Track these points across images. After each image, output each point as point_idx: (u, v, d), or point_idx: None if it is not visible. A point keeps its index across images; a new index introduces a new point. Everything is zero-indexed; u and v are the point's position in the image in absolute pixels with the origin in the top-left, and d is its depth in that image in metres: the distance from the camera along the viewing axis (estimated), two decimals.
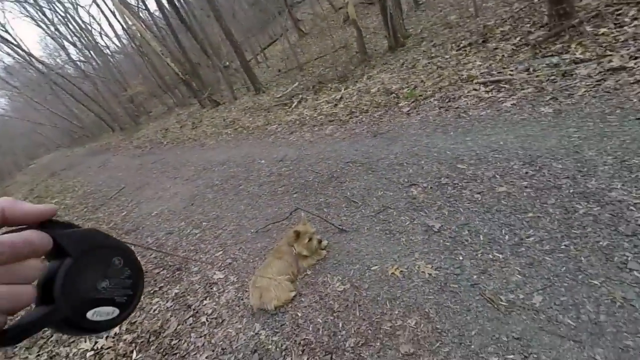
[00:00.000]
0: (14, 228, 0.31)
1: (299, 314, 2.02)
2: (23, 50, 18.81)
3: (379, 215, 2.53)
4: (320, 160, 4.09)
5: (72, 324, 0.32)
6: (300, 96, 7.83)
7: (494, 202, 2.16)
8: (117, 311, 0.35)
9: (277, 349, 1.85)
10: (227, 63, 13.33)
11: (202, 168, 5.82)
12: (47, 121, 33.82)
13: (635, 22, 3.67)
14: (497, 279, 1.68)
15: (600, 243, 1.63)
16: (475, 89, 4.01)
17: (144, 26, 12.56)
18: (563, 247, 1.70)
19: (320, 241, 2.43)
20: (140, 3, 17.07)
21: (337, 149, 4.22)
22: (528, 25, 4.95)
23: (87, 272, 0.33)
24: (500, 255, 1.79)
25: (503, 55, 4.53)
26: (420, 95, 4.60)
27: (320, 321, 1.90)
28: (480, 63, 4.66)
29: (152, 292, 2.91)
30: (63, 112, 27.75)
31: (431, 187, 2.56)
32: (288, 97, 8.29)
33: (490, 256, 1.81)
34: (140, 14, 17.08)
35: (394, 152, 3.38)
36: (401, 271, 1.95)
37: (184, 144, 8.96)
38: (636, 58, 3.11)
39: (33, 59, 19.82)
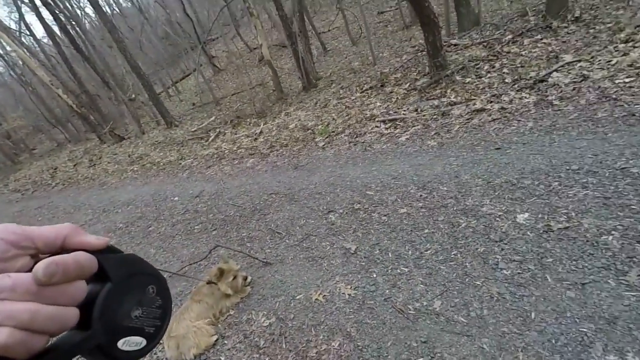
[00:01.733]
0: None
1: (222, 358, 1.90)
2: None
3: (302, 243, 2.61)
4: (241, 193, 4.05)
5: (104, 351, 0.30)
6: (218, 130, 7.72)
7: (397, 222, 2.45)
8: (144, 342, 0.34)
9: None
10: (134, 96, 12.39)
11: (102, 210, 5.14)
12: None
13: (489, 75, 4.77)
14: (405, 290, 1.89)
15: (478, 249, 2.00)
16: (377, 126, 4.58)
17: (28, 53, 10.96)
18: (452, 255, 2.02)
19: (245, 278, 2.37)
20: (24, 28, 14.96)
21: (259, 181, 4.25)
22: (415, 73, 5.95)
23: (124, 299, 0.32)
24: (406, 269, 2.03)
25: (397, 98, 5.31)
26: (333, 132, 5.02)
27: None
28: (380, 104, 5.36)
29: None
30: None
31: (346, 213, 2.78)
32: (204, 131, 8.08)
33: (398, 270, 2.03)
34: (24, 40, 14.90)
35: (314, 182, 3.58)
36: (324, 296, 2.03)
37: (78, 184, 7.80)
38: (491, 102, 4.01)
39: None
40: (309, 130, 5.55)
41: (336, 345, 1.70)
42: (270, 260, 2.59)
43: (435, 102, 4.47)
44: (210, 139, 7.33)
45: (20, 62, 12.39)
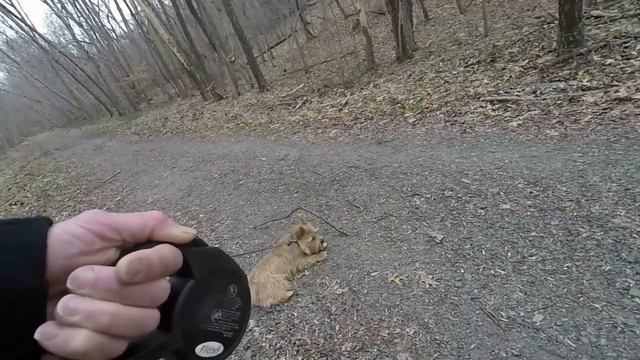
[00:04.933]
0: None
1: (295, 314, 2.00)
2: (27, 25, 18.55)
3: (380, 222, 2.53)
4: (322, 162, 4.09)
5: (182, 357, 0.28)
6: (305, 98, 7.84)
7: (497, 218, 2.17)
8: (222, 348, 0.31)
9: (271, 348, 1.82)
10: (233, 58, 13.30)
11: (201, 160, 5.78)
12: (44, 99, 33.32)
13: None
14: (498, 294, 1.68)
15: (603, 267, 1.65)
16: (481, 106, 4.06)
17: (153, 13, 12.49)
18: (565, 268, 1.71)
19: (322, 241, 2.42)
20: None
21: (340, 152, 4.22)
22: (537, 49, 5.03)
23: (206, 300, 0.30)
24: (502, 272, 1.79)
25: (510, 76, 4.59)
26: (426, 108, 4.64)
27: (317, 322, 1.88)
28: (487, 81, 4.72)
29: None
30: (62, 91, 27.38)
31: (434, 199, 2.57)
32: (292, 98, 8.30)
33: (492, 272, 1.81)
34: (150, 0, 16.99)
35: (398, 160, 3.39)
36: (401, 279, 1.95)
37: (183, 134, 8.89)
38: None
39: (37, 35, 19.56)
40: (398, 104, 5.23)
41: (411, 332, 1.63)
42: (346, 231, 2.58)
43: (561, 85, 3.73)
44: (297, 106, 7.51)
45: (146, 21, 14.24)
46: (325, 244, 2.47)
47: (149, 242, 0.28)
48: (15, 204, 7.56)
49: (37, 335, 0.22)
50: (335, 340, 1.73)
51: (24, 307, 0.22)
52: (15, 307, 0.22)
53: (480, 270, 1.85)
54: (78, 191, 6.63)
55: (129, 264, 0.24)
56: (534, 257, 1.82)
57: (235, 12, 10.26)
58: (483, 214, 2.24)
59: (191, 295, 0.28)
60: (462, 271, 1.87)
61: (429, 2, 11.05)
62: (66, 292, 0.23)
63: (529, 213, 2.12)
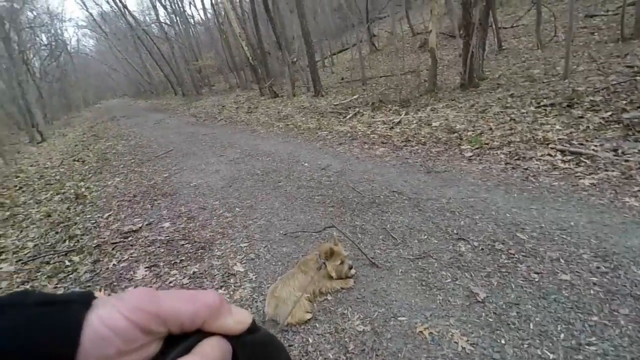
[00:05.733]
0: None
1: (310, 340, 1.91)
2: (121, 1, 20.56)
3: (418, 261, 2.36)
4: (364, 180, 3.97)
5: None
6: (357, 109, 7.77)
7: (553, 289, 1.92)
8: None
9: None
10: (296, 59, 13.63)
11: (248, 153, 5.92)
12: (121, 69, 36.71)
13: None
14: None
15: None
16: (550, 154, 3.70)
17: (231, 6, 13.20)
18: None
19: (351, 267, 2.32)
20: None
21: (384, 173, 4.08)
22: (624, 101, 4.51)
23: None
24: (551, 355, 1.57)
25: (588, 127, 4.15)
26: (486, 143, 4.34)
27: (331, 357, 1.78)
28: (560, 128, 4.31)
29: (172, 263, 2.94)
30: (138, 65, 29.96)
31: (482, 249, 2.35)
32: (345, 107, 8.27)
33: (539, 352, 1.59)
34: None
35: (447, 195, 3.19)
36: (431, 333, 1.78)
37: (236, 125, 9.23)
38: None
39: (126, 12, 21.60)
40: (455, 134, 4.97)
41: None
42: (378, 262, 2.44)
43: None
44: (348, 116, 7.46)
45: (223, 13, 15.09)
46: (353, 271, 2.36)
47: (198, 332, 0.24)
48: (77, 161, 8.32)
49: None
50: None
51: None
52: None
53: (525, 346, 1.63)
54: (132, 161, 7.13)
55: None
56: (592, 348, 1.57)
57: (306, 16, 10.50)
58: (537, 280, 2.00)
59: None
60: (503, 342, 1.67)
61: (505, 32, 10.50)
62: None
63: (592, 292, 1.85)
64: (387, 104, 7.74)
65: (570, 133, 4.09)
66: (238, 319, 0.25)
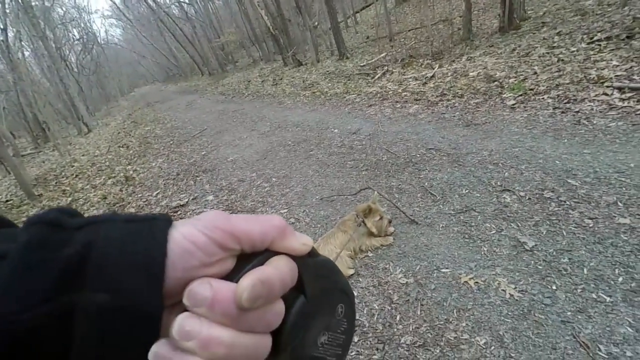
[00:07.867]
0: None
1: (355, 293, 2.00)
2: None
3: (459, 215, 2.32)
4: (398, 140, 3.87)
5: None
6: (386, 68, 7.41)
7: (610, 233, 1.80)
8: None
9: None
10: (317, 23, 13.08)
11: (277, 126, 5.96)
12: (149, 55, 37.67)
13: None
14: (598, 324, 1.43)
15: None
16: (606, 94, 3.33)
17: None
18: None
19: (390, 221, 2.33)
20: None
21: (419, 131, 3.94)
22: None
23: (315, 321, 0.26)
24: (608, 298, 1.51)
25: None
26: (530, 89, 3.99)
27: (377, 307, 1.85)
28: (617, 63, 3.82)
29: None
30: (164, 49, 30.53)
31: (529, 198, 2.24)
32: (372, 68, 7.92)
33: (594, 295, 1.54)
34: None
35: (489, 148, 3.02)
36: (476, 282, 1.78)
37: (263, 98, 9.25)
38: None
39: None
40: (496, 82, 4.61)
41: (481, 342, 1.50)
42: (417, 219, 2.43)
43: None
44: (377, 76, 7.15)
45: None
46: (392, 228, 2.38)
47: (266, 251, 0.25)
48: (122, 147, 8.91)
49: (151, 356, 0.20)
50: (395, 330, 1.69)
51: (139, 326, 0.20)
52: (130, 324, 0.20)
53: (578, 291, 1.58)
54: (171, 142, 7.49)
55: (252, 289, 0.21)
56: None
57: None
58: (591, 226, 1.88)
59: (301, 316, 0.25)
60: (554, 287, 1.62)
61: None
62: (179, 303, 0.21)
63: None
64: (418, 59, 7.29)
65: (631, 68, 3.62)
66: (303, 241, 0.26)
